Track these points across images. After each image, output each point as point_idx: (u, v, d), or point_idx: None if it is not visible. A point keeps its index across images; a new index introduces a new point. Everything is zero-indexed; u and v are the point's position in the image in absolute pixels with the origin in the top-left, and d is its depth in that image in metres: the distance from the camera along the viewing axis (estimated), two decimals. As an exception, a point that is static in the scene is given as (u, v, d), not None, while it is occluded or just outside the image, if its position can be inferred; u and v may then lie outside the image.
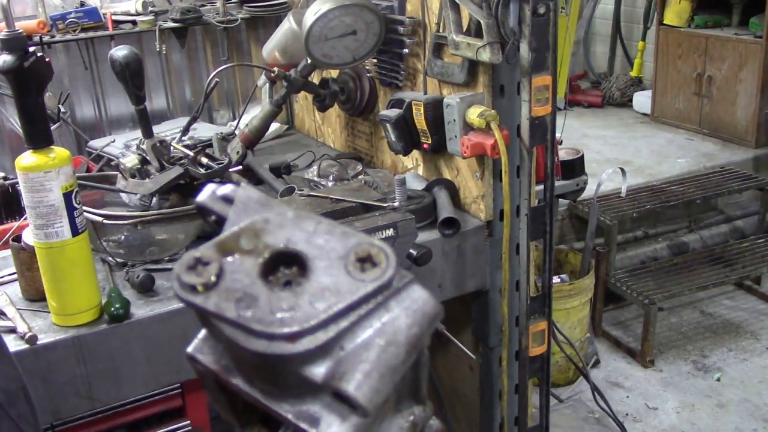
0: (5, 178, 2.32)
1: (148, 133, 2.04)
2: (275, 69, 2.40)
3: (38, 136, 1.56)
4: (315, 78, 2.53)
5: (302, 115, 3.15)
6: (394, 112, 2.16)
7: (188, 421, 1.94)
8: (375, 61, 2.38)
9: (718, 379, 3.53)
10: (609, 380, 3.57)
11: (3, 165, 2.86)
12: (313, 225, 0.52)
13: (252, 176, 2.37)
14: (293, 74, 2.38)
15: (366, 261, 0.50)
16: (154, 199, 2.03)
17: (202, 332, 0.56)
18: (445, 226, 2.04)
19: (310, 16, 2.15)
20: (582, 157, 2.54)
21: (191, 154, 2.04)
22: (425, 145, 2.14)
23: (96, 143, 2.76)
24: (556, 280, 3.46)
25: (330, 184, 2.31)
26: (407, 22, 2.19)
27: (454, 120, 2.00)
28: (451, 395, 2.61)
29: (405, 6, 2.23)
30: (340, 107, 2.61)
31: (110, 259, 1.90)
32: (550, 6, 1.80)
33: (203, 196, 0.57)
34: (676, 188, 4.28)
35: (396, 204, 2.04)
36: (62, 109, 2.60)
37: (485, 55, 1.85)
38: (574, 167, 2.49)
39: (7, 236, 1.86)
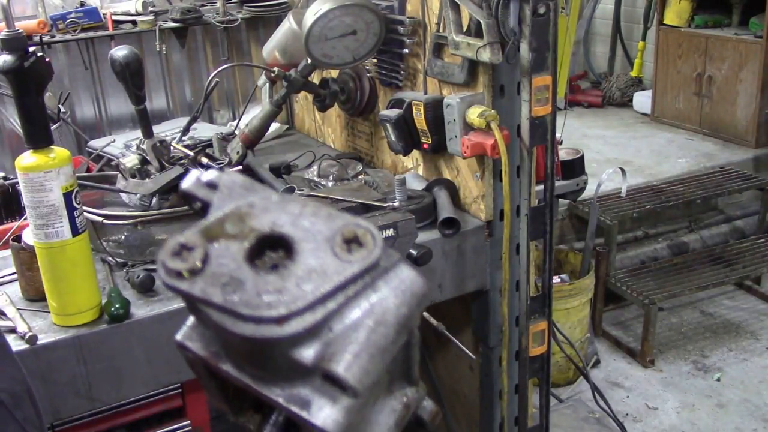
0: (5, 178, 2.32)
1: (148, 133, 2.04)
2: (275, 69, 2.40)
3: (38, 136, 1.56)
4: (315, 78, 2.53)
5: (302, 115, 3.15)
6: (394, 112, 2.16)
7: (188, 421, 1.94)
8: (375, 61, 2.38)
9: (718, 379, 3.53)
10: (609, 380, 3.57)
11: (3, 165, 2.86)
12: (298, 207, 0.51)
13: (252, 176, 2.36)
14: (293, 74, 2.38)
15: (352, 242, 0.49)
16: (154, 199, 2.03)
17: (191, 319, 0.56)
18: (445, 226, 2.04)
19: (310, 16, 2.15)
20: (582, 157, 2.54)
21: (191, 154, 2.04)
22: (425, 145, 2.14)
23: (96, 143, 2.76)
24: (556, 280, 3.46)
25: (330, 184, 2.31)
26: (407, 22, 2.19)
27: (454, 120, 2.00)
28: (451, 395, 2.60)
29: (405, 6, 2.23)
30: (340, 107, 2.61)
31: (110, 259, 1.90)
32: (550, 6, 1.80)
33: (187, 183, 0.56)
34: (676, 188, 4.28)
35: (396, 204, 2.04)
36: (62, 109, 2.60)
37: (485, 55, 1.85)
38: (574, 167, 2.49)
39: (7, 236, 1.86)
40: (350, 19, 2.17)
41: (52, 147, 1.57)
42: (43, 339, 1.63)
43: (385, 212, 1.91)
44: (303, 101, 3.07)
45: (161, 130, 2.74)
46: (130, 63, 1.92)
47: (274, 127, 2.98)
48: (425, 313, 2.04)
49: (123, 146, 2.54)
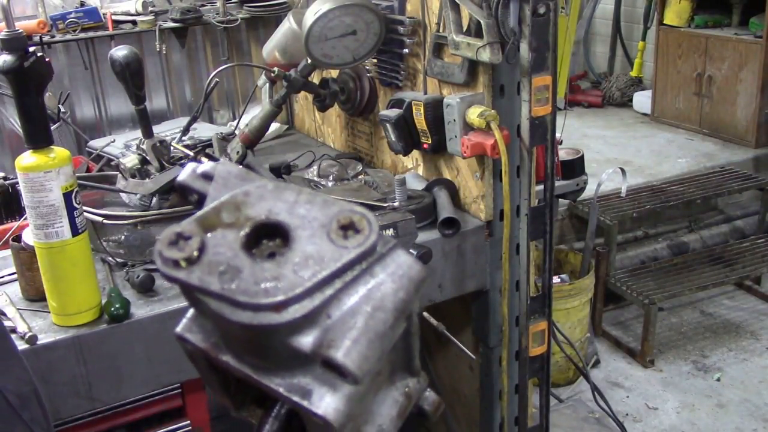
0: (5, 178, 2.32)
1: (148, 133, 2.04)
2: (275, 69, 2.40)
3: (38, 136, 1.56)
4: (315, 78, 2.53)
5: (302, 115, 3.15)
6: (394, 112, 2.16)
7: (188, 421, 1.94)
8: (375, 61, 2.38)
9: (718, 379, 3.53)
10: (609, 380, 3.57)
11: (3, 165, 2.86)
12: (293, 195, 0.51)
13: (252, 176, 2.36)
14: (293, 74, 2.38)
15: (348, 228, 0.49)
16: (154, 199, 2.03)
17: (190, 312, 0.56)
18: (445, 226, 2.04)
19: (310, 16, 2.15)
20: (582, 157, 2.54)
21: (191, 154, 2.04)
22: (425, 145, 2.14)
23: (96, 143, 2.76)
24: (556, 280, 3.46)
25: (330, 184, 2.31)
26: (407, 22, 2.19)
27: (454, 120, 2.00)
28: (451, 395, 2.60)
29: (405, 6, 2.23)
30: (340, 107, 2.61)
31: (110, 259, 1.90)
32: (550, 6, 1.80)
33: (183, 175, 0.56)
34: (676, 188, 4.28)
35: (396, 204, 2.04)
36: (62, 109, 2.60)
37: (485, 55, 1.85)
38: (574, 167, 2.49)
39: (7, 236, 1.86)
40: (350, 19, 2.17)
41: (52, 147, 1.57)
42: (43, 339, 1.63)
43: (385, 212, 1.91)
44: (303, 101, 3.07)
45: (161, 130, 2.74)
46: (130, 63, 1.92)
47: (274, 127, 2.98)
48: (425, 313, 2.04)
49: (123, 146, 2.55)
